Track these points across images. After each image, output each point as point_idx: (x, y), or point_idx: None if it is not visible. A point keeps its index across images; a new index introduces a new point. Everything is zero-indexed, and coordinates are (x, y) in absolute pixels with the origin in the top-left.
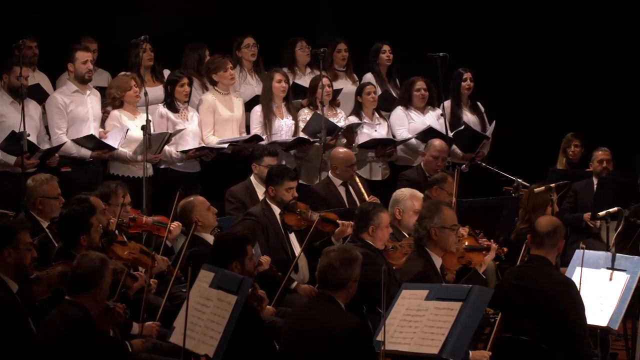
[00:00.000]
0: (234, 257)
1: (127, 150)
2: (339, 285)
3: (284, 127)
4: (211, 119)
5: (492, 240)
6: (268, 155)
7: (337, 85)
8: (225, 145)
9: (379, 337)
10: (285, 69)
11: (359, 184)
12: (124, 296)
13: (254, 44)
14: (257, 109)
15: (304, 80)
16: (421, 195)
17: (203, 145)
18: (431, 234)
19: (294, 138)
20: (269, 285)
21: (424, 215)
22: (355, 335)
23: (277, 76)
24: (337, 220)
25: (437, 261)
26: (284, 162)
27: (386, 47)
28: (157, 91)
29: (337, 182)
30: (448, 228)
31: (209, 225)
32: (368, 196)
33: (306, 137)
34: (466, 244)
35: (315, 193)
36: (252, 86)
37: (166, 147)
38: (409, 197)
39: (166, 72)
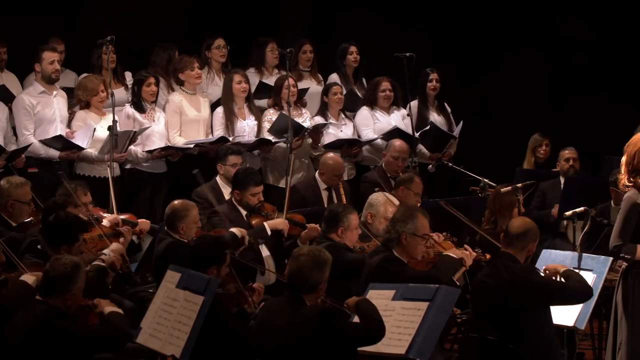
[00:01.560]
0: (213, 262)
1: (92, 150)
2: (309, 289)
3: (247, 128)
4: (177, 119)
5: (477, 249)
6: (232, 154)
7: (302, 85)
8: (191, 146)
9: None
10: (252, 69)
11: (342, 194)
12: (103, 289)
13: (224, 46)
14: (219, 110)
15: (271, 80)
16: (397, 202)
17: (169, 145)
18: (401, 238)
19: (256, 139)
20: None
21: (398, 219)
22: (323, 317)
23: (237, 77)
24: (304, 223)
25: None
26: (248, 165)
27: (353, 48)
28: (118, 93)
29: (322, 185)
30: (419, 236)
31: (188, 237)
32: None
33: (269, 137)
34: (440, 249)
35: (297, 191)
36: (220, 87)
37: (132, 147)
38: (382, 203)
39: (128, 75)
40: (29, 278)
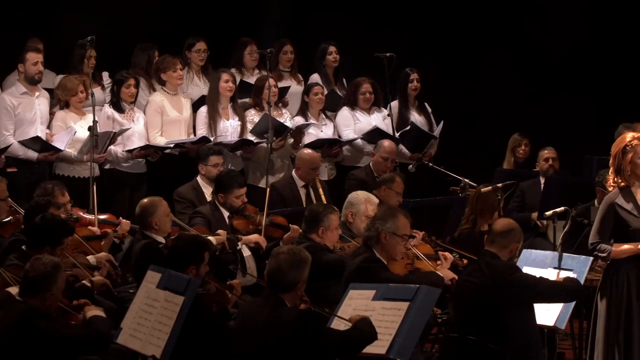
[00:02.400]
0: (192, 262)
1: (72, 151)
2: (287, 288)
3: (230, 128)
4: (159, 119)
5: (454, 254)
6: (213, 155)
7: (281, 85)
8: (171, 146)
9: None
10: (232, 69)
11: (320, 188)
12: (85, 290)
13: (204, 50)
14: (203, 110)
15: (252, 80)
16: (377, 200)
17: (148, 144)
18: (381, 236)
19: (238, 139)
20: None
21: (379, 217)
22: (301, 319)
23: (225, 76)
24: (286, 225)
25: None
26: (230, 166)
27: (332, 48)
28: (95, 93)
29: (300, 183)
30: (399, 236)
31: (164, 231)
32: (326, 202)
33: (251, 138)
34: (417, 251)
35: (275, 190)
36: (200, 87)
37: (112, 147)
38: (363, 202)
39: (105, 75)
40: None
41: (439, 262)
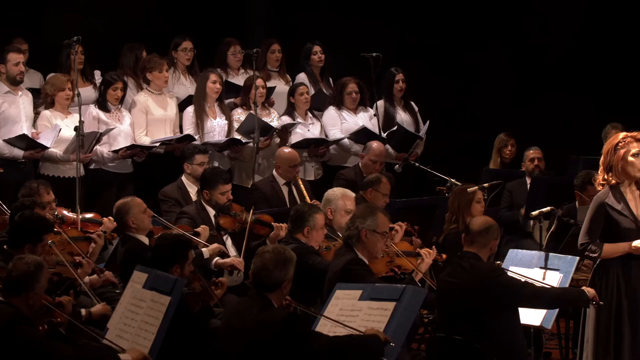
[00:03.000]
0: (176, 261)
1: (57, 150)
2: (273, 287)
3: (217, 127)
4: (144, 119)
5: (433, 247)
6: (199, 153)
7: (269, 85)
8: (157, 145)
9: None
10: (218, 69)
11: (302, 186)
12: (69, 286)
13: (191, 49)
14: (190, 110)
15: (237, 80)
16: (353, 194)
17: (134, 144)
18: (361, 234)
19: (226, 139)
20: None
21: (358, 216)
22: (288, 322)
23: (212, 77)
24: (272, 223)
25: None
26: (216, 164)
27: (317, 48)
28: (86, 92)
29: (281, 181)
30: (379, 233)
31: (144, 228)
32: (310, 200)
33: (239, 137)
34: (397, 248)
35: (258, 190)
36: (186, 87)
37: (97, 147)
38: (340, 197)
39: (97, 73)
40: None
41: (419, 259)
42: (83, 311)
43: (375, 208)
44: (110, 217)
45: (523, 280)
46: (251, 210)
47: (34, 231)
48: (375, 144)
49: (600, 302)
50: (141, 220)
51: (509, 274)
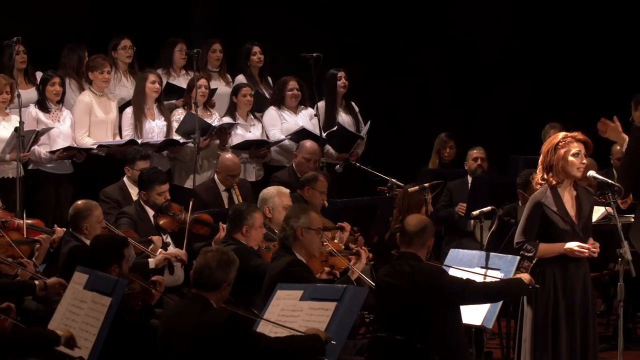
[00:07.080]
0: (113, 261)
1: None
2: (213, 286)
3: (156, 128)
4: (87, 120)
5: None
6: (141, 159)
7: (210, 85)
8: (95, 147)
9: None
10: (160, 70)
11: (238, 196)
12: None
13: (130, 46)
14: (128, 111)
15: (178, 82)
16: (287, 191)
17: (71, 145)
18: (297, 233)
19: (164, 139)
20: None
21: (290, 216)
22: (230, 323)
23: (151, 77)
24: (212, 222)
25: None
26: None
27: (256, 48)
28: (29, 93)
29: (222, 187)
30: (314, 230)
31: (92, 235)
32: None
33: (177, 138)
34: (330, 248)
35: (197, 195)
36: (127, 88)
37: (35, 147)
38: (276, 194)
39: (39, 74)
40: None
41: (353, 259)
42: (37, 282)
43: (306, 206)
44: (61, 229)
45: (465, 278)
46: (190, 205)
47: None
48: (308, 142)
49: (537, 285)
50: (95, 229)
51: (450, 272)
